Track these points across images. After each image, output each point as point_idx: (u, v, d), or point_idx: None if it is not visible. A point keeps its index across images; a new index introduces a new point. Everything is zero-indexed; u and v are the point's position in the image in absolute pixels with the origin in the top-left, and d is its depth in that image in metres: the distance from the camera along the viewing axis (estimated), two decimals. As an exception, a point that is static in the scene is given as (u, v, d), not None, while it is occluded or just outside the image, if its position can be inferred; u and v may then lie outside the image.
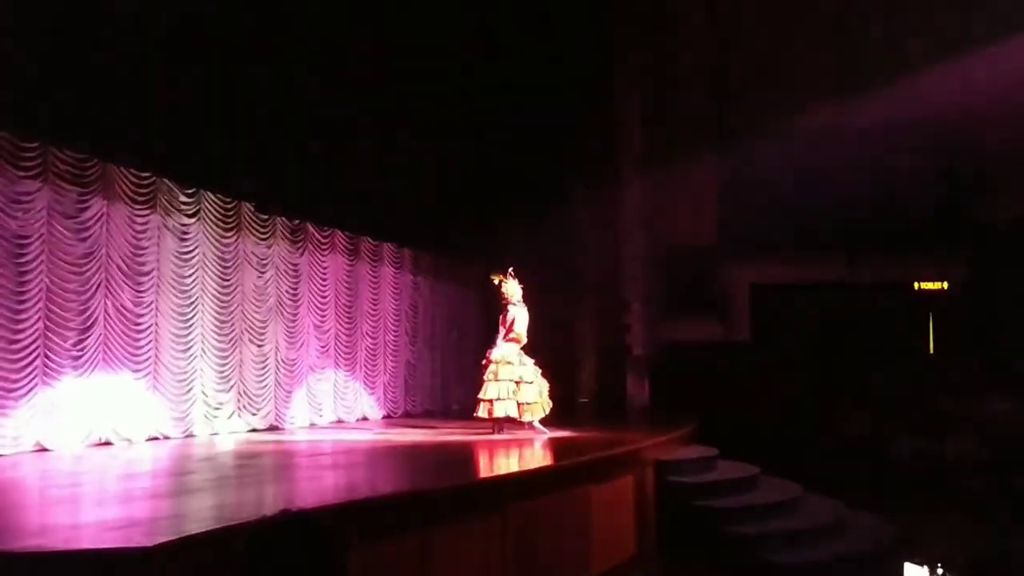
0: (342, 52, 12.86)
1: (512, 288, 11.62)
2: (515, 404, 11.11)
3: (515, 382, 11.17)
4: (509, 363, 11.25)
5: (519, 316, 11.47)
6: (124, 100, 9.68)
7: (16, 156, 9.06)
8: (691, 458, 10.62)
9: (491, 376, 11.24)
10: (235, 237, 11.91)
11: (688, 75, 16.90)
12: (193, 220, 11.23)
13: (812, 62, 16.08)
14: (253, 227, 12.25)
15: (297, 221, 13.02)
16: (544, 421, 11.32)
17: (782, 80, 16.06)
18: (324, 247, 13.60)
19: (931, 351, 17.03)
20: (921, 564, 9.67)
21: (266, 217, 12.44)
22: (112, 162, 10.07)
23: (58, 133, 9.36)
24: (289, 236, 12.91)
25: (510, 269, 11.79)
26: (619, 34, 16.85)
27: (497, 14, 14.70)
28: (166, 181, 10.81)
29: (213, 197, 11.53)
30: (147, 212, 10.57)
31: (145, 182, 10.53)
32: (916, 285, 17.19)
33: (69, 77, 9.14)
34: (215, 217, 11.58)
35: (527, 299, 11.70)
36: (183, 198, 11.07)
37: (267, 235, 12.49)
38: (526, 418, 11.15)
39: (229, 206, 11.79)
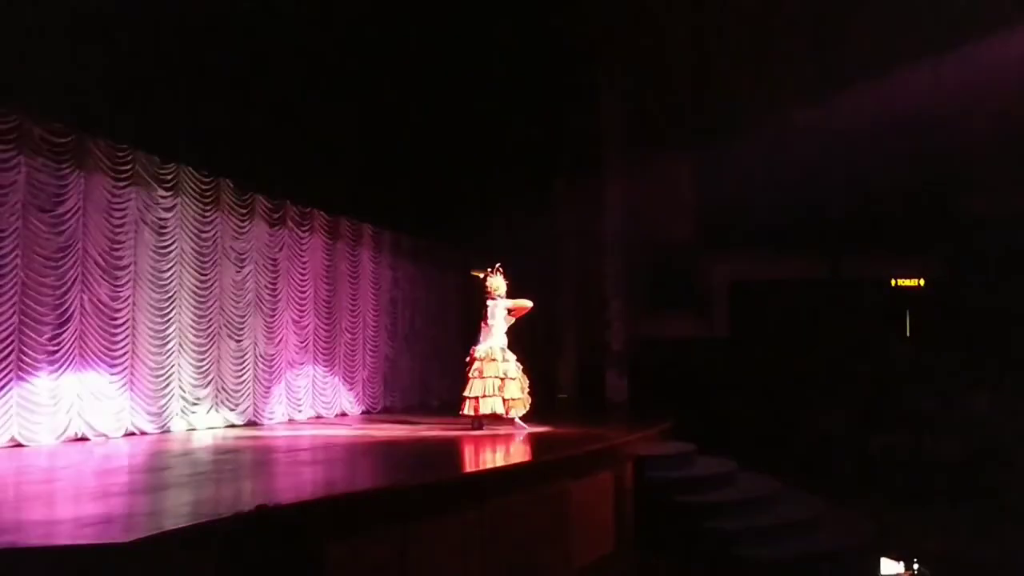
0: (324, 36, 12.78)
1: (497, 283, 11.62)
2: (501, 401, 11.12)
3: (500, 378, 11.18)
4: (493, 360, 11.27)
5: (502, 305, 11.52)
6: (101, 74, 9.59)
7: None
8: (670, 454, 10.63)
9: (476, 373, 11.26)
10: (214, 217, 11.81)
11: (669, 73, 16.93)
12: (171, 197, 11.13)
13: (791, 60, 16.15)
14: (232, 206, 12.17)
15: (282, 211, 12.95)
16: (524, 417, 11.33)
17: (762, 78, 16.11)
18: (304, 229, 13.56)
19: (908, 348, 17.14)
20: (898, 559, 9.73)
21: (246, 196, 12.37)
22: (89, 135, 10.01)
23: (34, 106, 9.32)
24: (268, 217, 12.83)
25: (497, 265, 11.78)
26: (601, 32, 16.86)
27: (481, 11, 14.66)
28: (144, 156, 10.75)
29: (192, 174, 11.46)
30: (125, 187, 10.48)
31: (123, 157, 10.45)
32: (893, 282, 17.31)
33: (46, 51, 9.06)
34: (193, 194, 11.49)
35: (510, 295, 11.71)
36: (159, 192, 10.99)
37: (246, 215, 12.40)
38: (512, 414, 11.18)
39: (207, 183, 11.72)
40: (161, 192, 11.02)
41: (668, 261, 16.72)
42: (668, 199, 16.75)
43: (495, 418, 11.22)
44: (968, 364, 14.96)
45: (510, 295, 11.73)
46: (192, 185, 11.49)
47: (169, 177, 11.15)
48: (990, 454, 12.45)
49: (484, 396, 11.14)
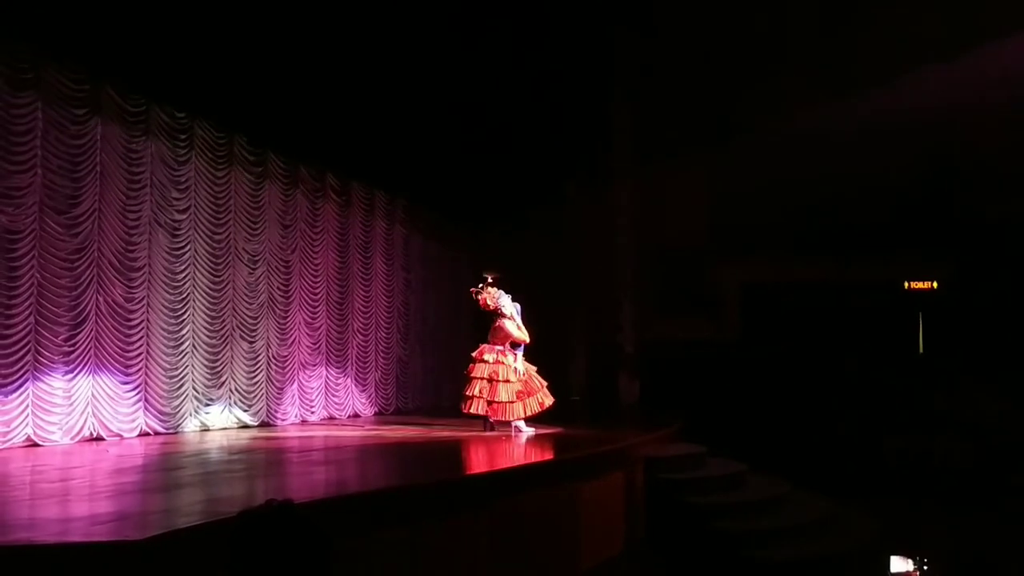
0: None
1: (498, 294, 11.44)
2: (485, 403, 11.10)
3: (487, 380, 11.12)
4: (484, 361, 11.22)
5: (507, 324, 11.40)
6: (118, 23, 9.66)
7: (11, 66, 9.09)
8: (680, 455, 10.66)
9: (467, 371, 11.31)
10: (227, 176, 11.85)
11: (680, 77, 16.91)
12: (186, 151, 11.19)
13: (802, 63, 16.12)
14: (245, 164, 12.21)
15: (295, 173, 13.05)
16: (534, 418, 11.32)
17: (773, 81, 16.09)
18: (317, 195, 13.63)
19: (921, 350, 17.11)
20: (908, 560, 9.74)
21: (258, 151, 12.42)
22: (104, 84, 10.09)
23: (53, 53, 9.45)
24: (281, 178, 12.88)
25: (488, 279, 11.57)
26: (612, 34, 16.87)
27: (491, 15, 14.66)
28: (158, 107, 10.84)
29: (205, 127, 11.51)
30: (140, 140, 10.54)
31: (137, 103, 10.53)
32: (906, 284, 17.27)
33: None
34: (206, 149, 11.54)
35: (518, 299, 11.65)
36: (174, 146, 11.07)
37: (260, 176, 12.46)
38: (497, 417, 11.13)
39: (221, 139, 11.78)
40: (176, 147, 11.05)
41: (679, 264, 16.71)
42: (678, 201, 16.75)
43: (502, 422, 11.21)
44: (980, 366, 14.92)
45: (519, 299, 11.61)
46: (205, 138, 11.52)
47: (183, 124, 11.18)
48: (1001, 456, 12.42)
49: (474, 396, 11.17)
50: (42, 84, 9.39)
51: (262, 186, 12.55)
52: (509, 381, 11.17)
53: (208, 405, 11.58)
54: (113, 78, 10.18)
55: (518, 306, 11.58)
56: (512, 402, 11.13)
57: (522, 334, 11.44)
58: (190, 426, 11.24)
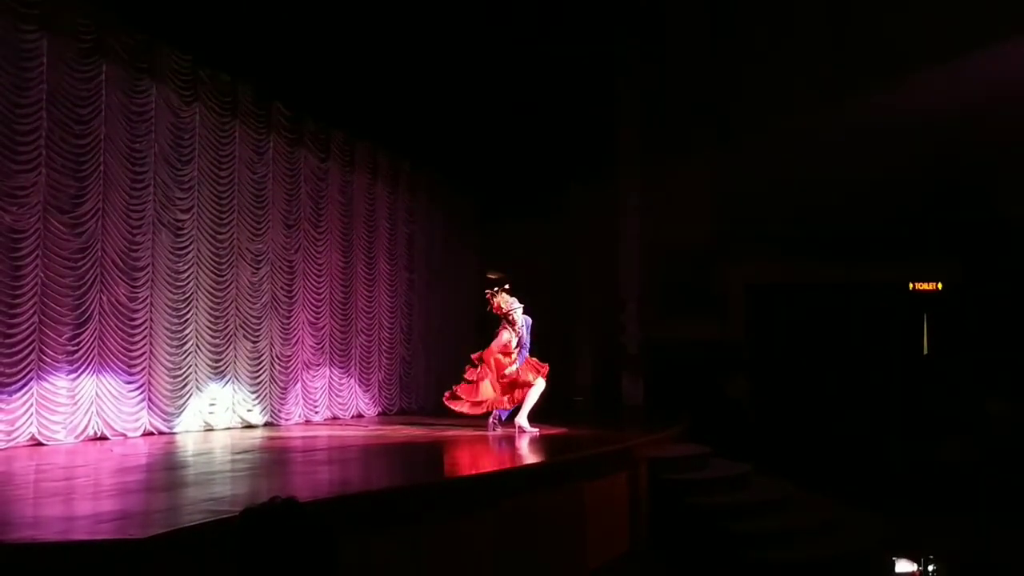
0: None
1: (510, 300, 11.33)
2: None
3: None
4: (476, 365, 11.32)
5: (505, 335, 11.29)
6: None
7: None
8: (684, 456, 10.64)
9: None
10: (232, 129, 11.83)
11: (686, 78, 16.91)
12: (189, 102, 11.17)
13: (808, 64, 16.10)
14: (249, 115, 12.18)
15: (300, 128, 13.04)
16: (539, 419, 11.30)
17: (778, 82, 16.08)
18: (320, 148, 13.56)
19: (926, 351, 17.06)
20: (912, 563, 9.70)
21: (263, 105, 12.38)
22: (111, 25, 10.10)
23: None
24: (286, 132, 12.82)
25: (506, 285, 11.45)
26: (618, 35, 16.87)
27: (495, 16, 14.66)
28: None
29: (210, 74, 11.49)
30: (144, 84, 10.53)
31: (141, 47, 10.53)
32: (911, 286, 17.22)
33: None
34: (211, 99, 11.50)
35: (524, 300, 11.58)
36: (177, 96, 11.04)
37: (263, 129, 12.41)
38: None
39: (226, 87, 11.75)
40: (179, 95, 11.02)
41: (684, 264, 16.69)
42: (683, 202, 16.72)
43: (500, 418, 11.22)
44: (986, 367, 14.89)
45: (524, 301, 11.56)
46: (209, 86, 11.49)
47: (187, 67, 11.15)
48: (1005, 456, 12.38)
49: (456, 395, 11.42)
50: (48, 20, 9.35)
51: (266, 173, 12.50)
52: (502, 374, 11.12)
53: (212, 404, 11.55)
54: (121, 22, 10.19)
55: (529, 320, 11.41)
56: (494, 397, 11.15)
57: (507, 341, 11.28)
58: (193, 425, 11.24)
